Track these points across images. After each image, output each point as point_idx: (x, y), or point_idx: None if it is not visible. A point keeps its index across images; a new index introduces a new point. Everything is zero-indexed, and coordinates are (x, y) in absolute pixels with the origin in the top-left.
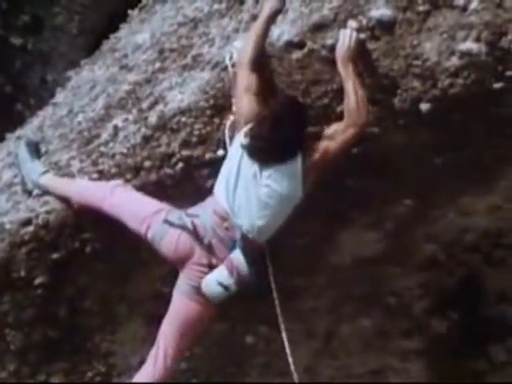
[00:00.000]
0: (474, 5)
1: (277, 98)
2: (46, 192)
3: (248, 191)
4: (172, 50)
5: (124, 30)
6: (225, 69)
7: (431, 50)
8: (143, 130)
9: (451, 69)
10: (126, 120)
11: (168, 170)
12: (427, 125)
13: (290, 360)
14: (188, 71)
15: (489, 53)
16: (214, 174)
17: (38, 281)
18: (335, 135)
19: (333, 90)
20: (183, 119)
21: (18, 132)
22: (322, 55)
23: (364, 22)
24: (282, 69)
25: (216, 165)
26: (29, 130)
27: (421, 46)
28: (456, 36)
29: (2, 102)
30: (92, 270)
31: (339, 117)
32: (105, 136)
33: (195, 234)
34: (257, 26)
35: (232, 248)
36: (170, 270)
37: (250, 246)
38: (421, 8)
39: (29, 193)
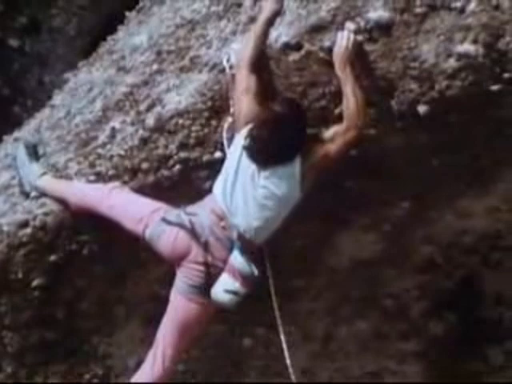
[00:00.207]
0: (471, 7)
1: (277, 101)
2: (43, 194)
3: (245, 192)
4: (169, 52)
5: (121, 32)
6: (222, 71)
7: (429, 52)
8: (141, 131)
9: (449, 71)
10: (123, 122)
11: (166, 172)
12: (425, 127)
13: (288, 362)
14: (186, 73)
15: (486, 55)
16: (212, 175)
17: (35, 283)
18: (335, 137)
19: (330, 91)
20: (181, 121)
21: (16, 134)
22: (319, 57)
23: (361, 23)
24: (279, 71)
25: (214, 167)
26: (26, 131)
27: (418, 48)
28: (453, 38)
29: (0, 104)
30: (89, 272)
31: (337, 119)
32: (102, 138)
33: (192, 232)
34: (255, 28)
35: (230, 248)
36: (168, 271)
37: (247, 246)
38: (418, 10)
39: (26, 195)
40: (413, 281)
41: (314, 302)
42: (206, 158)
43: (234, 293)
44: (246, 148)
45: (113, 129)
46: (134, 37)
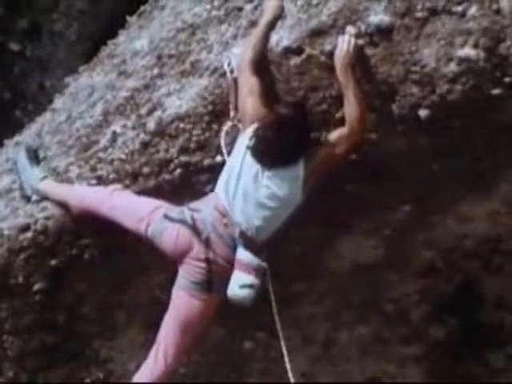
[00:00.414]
0: (472, 11)
1: (282, 103)
2: (44, 198)
3: (248, 191)
4: (170, 56)
5: (122, 36)
6: (223, 75)
7: (429, 56)
8: (142, 136)
9: (449, 75)
10: (124, 126)
11: (166, 176)
12: (426, 131)
13: (288, 367)
14: (186, 77)
15: (487, 59)
16: (213, 179)
17: (36, 287)
18: (339, 141)
19: (331, 96)
20: (181, 125)
21: (17, 138)
22: (320, 61)
23: (362, 28)
24: (280, 75)
25: (214, 171)
26: (27, 136)
27: (419, 52)
28: (454, 42)
29: (1, 108)
30: (90, 276)
31: (338, 123)
32: (103, 142)
33: (194, 228)
34: (256, 31)
35: (231, 245)
36: (169, 276)
37: (249, 244)
38: (419, 14)
39: (27, 199)
40: (413, 285)
41: (314, 306)
42: (206, 162)
43: (250, 286)
44: (251, 148)
45: (114, 133)
46: (135, 41)
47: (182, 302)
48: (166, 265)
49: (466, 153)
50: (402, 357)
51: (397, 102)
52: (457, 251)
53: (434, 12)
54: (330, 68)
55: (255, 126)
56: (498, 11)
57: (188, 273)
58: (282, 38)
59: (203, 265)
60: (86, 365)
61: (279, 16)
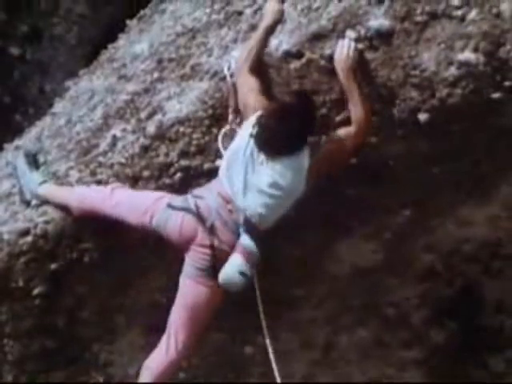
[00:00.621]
0: (472, 15)
1: (286, 92)
2: (44, 202)
3: (251, 179)
4: (170, 60)
5: (122, 40)
6: (223, 79)
7: (429, 60)
8: (142, 139)
9: (449, 79)
10: (124, 130)
11: (166, 180)
12: (426, 135)
13: (274, 366)
14: (186, 81)
15: (487, 63)
16: None
17: (36, 291)
18: (345, 138)
19: (331, 100)
20: (182, 129)
21: (17, 142)
22: (320, 65)
23: (362, 32)
24: (280, 79)
25: (215, 175)
26: (27, 140)
27: (419, 56)
28: (454, 46)
29: (1, 112)
30: (90, 280)
31: (338, 127)
32: (103, 146)
33: (198, 215)
34: (255, 34)
35: (236, 231)
36: (169, 280)
37: (253, 231)
38: (419, 18)
39: (27, 203)
40: (414, 289)
41: (314, 310)
42: (206, 165)
43: (244, 274)
44: (254, 136)
45: (114, 137)
46: (135, 45)
47: (189, 289)
48: (166, 268)
49: (466, 157)
50: (402, 360)
51: (397, 105)
52: (457, 255)
53: (433, 16)
54: (330, 72)
55: (258, 113)
56: (497, 15)
57: (193, 260)
58: (282, 42)
59: (208, 251)
60: (85, 368)
61: (279, 20)
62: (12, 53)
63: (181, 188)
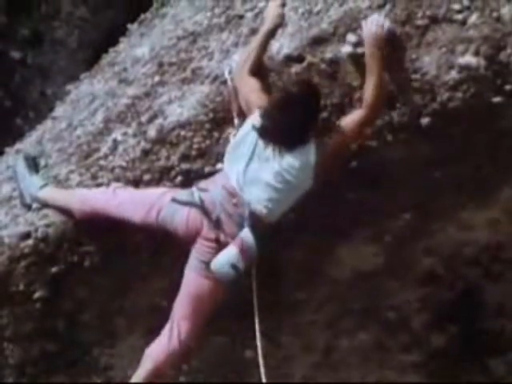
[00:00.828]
0: (472, 19)
1: (292, 81)
2: (44, 206)
3: (259, 173)
4: (171, 64)
5: (123, 44)
6: (224, 82)
7: (430, 64)
8: (142, 143)
9: (450, 83)
10: (125, 134)
11: (167, 184)
12: (427, 138)
13: (262, 370)
14: (187, 85)
15: (488, 67)
16: None
17: (36, 294)
18: (350, 126)
19: (332, 103)
20: (182, 133)
21: (18, 146)
22: (321, 69)
23: (363, 35)
24: (281, 82)
25: None
26: (28, 143)
27: (420, 60)
28: (455, 50)
29: (2, 116)
30: (91, 283)
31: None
32: (104, 150)
33: (203, 208)
34: (256, 38)
35: (240, 225)
36: (169, 283)
37: (257, 224)
38: (420, 22)
39: (28, 206)
40: (414, 292)
41: (315, 313)
42: (207, 169)
43: (236, 268)
44: (259, 129)
45: (114, 140)
46: (136, 49)
47: (193, 282)
48: (167, 271)
49: (467, 160)
50: (403, 364)
51: (397, 109)
52: (457, 259)
53: (434, 20)
54: (331, 76)
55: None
56: (498, 19)
57: (198, 253)
58: (282, 46)
59: (213, 245)
60: (86, 372)
61: (279, 24)
62: (13, 56)
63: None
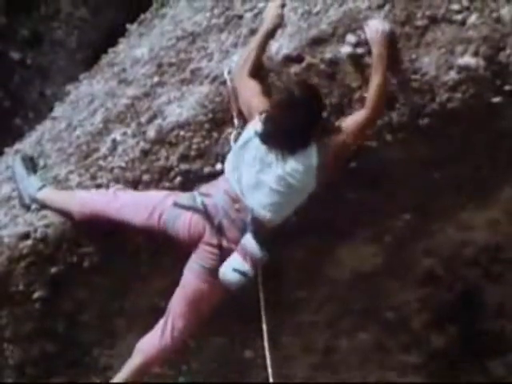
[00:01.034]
0: (472, 19)
1: (291, 82)
2: (43, 206)
3: (262, 178)
4: (170, 64)
5: (123, 45)
6: (223, 83)
7: (429, 65)
8: (142, 143)
9: (449, 83)
10: (124, 134)
11: (167, 184)
12: (426, 139)
13: (269, 363)
14: (186, 85)
15: (487, 67)
16: None
17: (36, 295)
18: (352, 127)
19: (331, 104)
20: (182, 133)
21: (17, 146)
22: (320, 69)
23: (362, 36)
24: (280, 83)
25: (215, 179)
26: (27, 144)
27: (419, 61)
28: (454, 50)
29: (1, 116)
30: (90, 283)
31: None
32: (103, 150)
33: (206, 213)
34: (255, 38)
35: (243, 230)
36: (169, 284)
37: (260, 229)
38: (419, 22)
39: (27, 207)
40: (414, 293)
41: (315, 313)
42: (207, 169)
43: (243, 274)
44: (261, 133)
45: (114, 141)
46: (135, 49)
47: (191, 285)
48: (166, 272)
49: (466, 161)
50: (403, 364)
51: (397, 109)
52: (457, 259)
53: (433, 20)
54: (330, 76)
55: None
56: (498, 20)
57: (200, 258)
58: (281, 47)
59: (215, 251)
60: (86, 372)
61: (279, 25)
62: (12, 57)
63: (181, 192)
